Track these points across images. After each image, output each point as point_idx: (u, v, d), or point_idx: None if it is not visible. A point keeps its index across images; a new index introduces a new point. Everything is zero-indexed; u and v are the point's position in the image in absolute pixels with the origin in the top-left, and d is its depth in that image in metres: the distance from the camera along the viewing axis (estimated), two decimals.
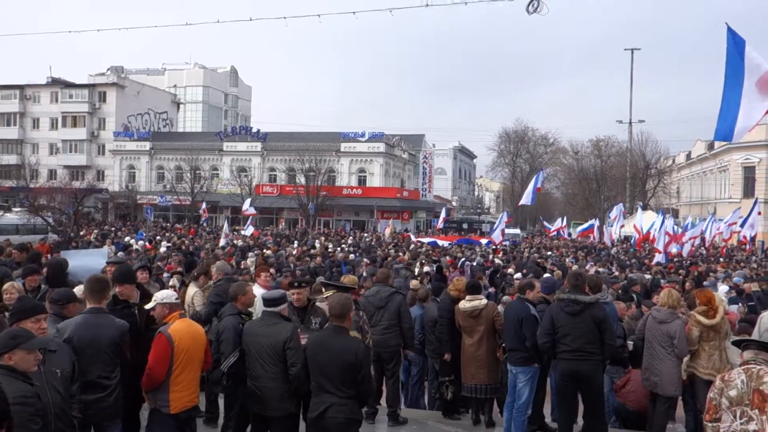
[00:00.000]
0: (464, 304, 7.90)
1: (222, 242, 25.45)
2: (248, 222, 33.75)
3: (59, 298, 5.49)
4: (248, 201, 37.58)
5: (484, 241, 33.08)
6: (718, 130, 6.90)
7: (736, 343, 5.16)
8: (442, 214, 40.83)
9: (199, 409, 6.37)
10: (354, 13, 13.75)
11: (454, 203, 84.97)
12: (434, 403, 8.94)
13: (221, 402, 7.10)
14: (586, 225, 37.05)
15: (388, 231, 38.71)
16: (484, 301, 7.96)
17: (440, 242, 31.06)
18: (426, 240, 32.48)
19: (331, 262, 18.58)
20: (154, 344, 5.34)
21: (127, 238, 27.46)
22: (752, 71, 6.62)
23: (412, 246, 27.08)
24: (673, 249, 24.92)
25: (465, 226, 60.82)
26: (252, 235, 31.40)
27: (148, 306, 5.74)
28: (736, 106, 6.66)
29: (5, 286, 6.73)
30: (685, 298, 8.47)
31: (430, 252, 24.15)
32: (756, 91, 6.63)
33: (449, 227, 58.79)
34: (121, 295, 6.02)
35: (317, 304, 6.98)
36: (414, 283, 10.82)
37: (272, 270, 12.54)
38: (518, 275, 15.63)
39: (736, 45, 6.66)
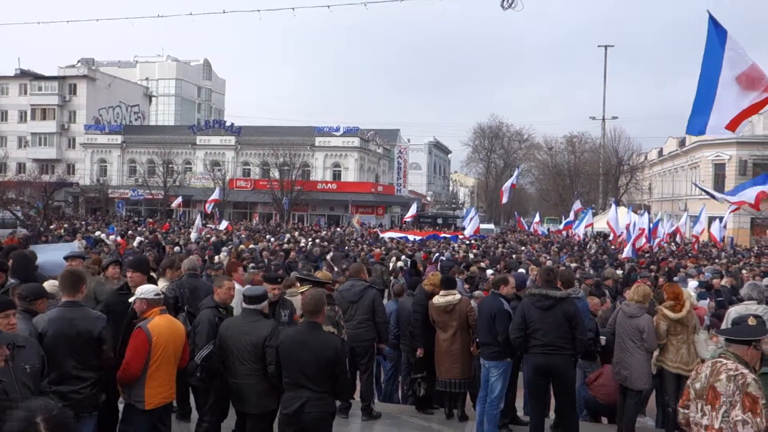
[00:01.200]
0: (438, 299, 7.93)
1: (193, 236, 25.25)
2: (209, 215, 32.92)
3: (27, 293, 5.40)
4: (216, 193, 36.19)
5: (450, 236, 33.25)
6: (690, 124, 6.78)
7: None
8: (411, 210, 40.65)
9: (173, 405, 6.34)
10: (329, 7, 13.73)
11: (429, 198, 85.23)
12: (408, 398, 8.96)
13: (192, 398, 7.05)
14: (567, 221, 37.36)
15: (356, 223, 38.60)
16: (458, 296, 7.99)
17: (411, 237, 31.09)
18: (396, 235, 32.47)
19: (305, 257, 18.53)
20: (132, 339, 5.33)
21: (98, 233, 27.11)
22: (733, 64, 6.49)
23: (380, 241, 27.21)
24: (644, 244, 25.24)
25: (440, 221, 60.99)
26: (226, 229, 31.19)
27: (130, 300, 5.71)
28: (711, 99, 6.57)
29: None
30: (656, 293, 8.59)
31: (404, 247, 24.20)
32: (736, 86, 6.51)
33: (424, 222, 58.96)
34: (130, 281, 6.29)
35: (286, 297, 7.00)
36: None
37: (247, 264, 12.47)
38: (490, 271, 15.75)
39: (717, 35, 6.53)
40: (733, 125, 6.75)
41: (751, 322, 5.20)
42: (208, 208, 34.03)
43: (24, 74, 67.92)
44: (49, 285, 6.19)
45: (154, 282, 6.67)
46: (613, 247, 31.16)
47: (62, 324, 5.06)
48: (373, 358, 8.48)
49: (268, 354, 5.52)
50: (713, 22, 6.55)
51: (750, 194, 18.11)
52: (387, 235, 34.03)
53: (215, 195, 33.48)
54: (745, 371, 4.28)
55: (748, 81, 6.48)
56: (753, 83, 6.49)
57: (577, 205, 40.38)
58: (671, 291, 7.63)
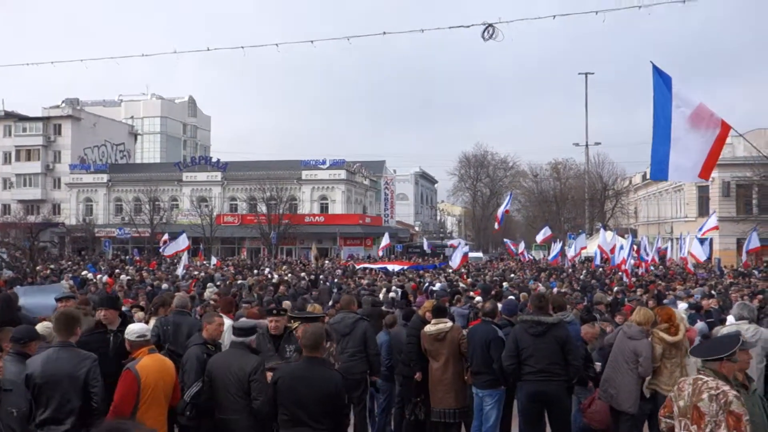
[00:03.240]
0: (429, 328, 7.90)
1: (179, 272, 25.02)
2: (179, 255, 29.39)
3: (21, 336, 5.34)
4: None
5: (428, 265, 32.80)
6: (653, 170, 7.09)
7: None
8: (384, 240, 40.09)
9: None
10: (312, 41, 13.87)
11: (416, 228, 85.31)
12: (403, 428, 8.85)
13: None
14: (576, 245, 37.36)
15: (312, 255, 38.15)
16: (449, 324, 7.95)
17: (390, 267, 30.27)
18: (374, 266, 31.47)
19: (295, 291, 18.41)
20: (121, 380, 5.27)
21: (84, 272, 26.88)
22: (682, 107, 6.83)
23: (358, 272, 26.86)
24: (629, 267, 25.37)
25: (428, 251, 60.99)
26: (215, 265, 30.99)
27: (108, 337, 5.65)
28: (667, 143, 6.86)
29: None
30: None
31: (382, 278, 23.94)
32: (689, 126, 6.84)
33: (413, 252, 58.92)
34: (104, 318, 6.24)
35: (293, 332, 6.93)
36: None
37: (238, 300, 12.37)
38: (478, 298, 15.69)
39: (663, 82, 6.88)
40: (705, 173, 7.03)
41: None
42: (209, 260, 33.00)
43: (8, 115, 67.80)
44: (42, 327, 6.14)
45: (126, 319, 6.58)
46: (602, 269, 31.27)
47: (48, 365, 5.02)
48: (366, 390, 8.39)
49: (253, 388, 5.45)
50: (657, 71, 6.89)
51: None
52: (364, 266, 32.90)
53: (182, 242, 28.33)
54: (726, 388, 4.29)
55: (698, 120, 6.80)
56: (704, 121, 6.82)
57: (546, 232, 40.66)
58: (664, 313, 7.63)
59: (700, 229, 29.04)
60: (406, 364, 8.27)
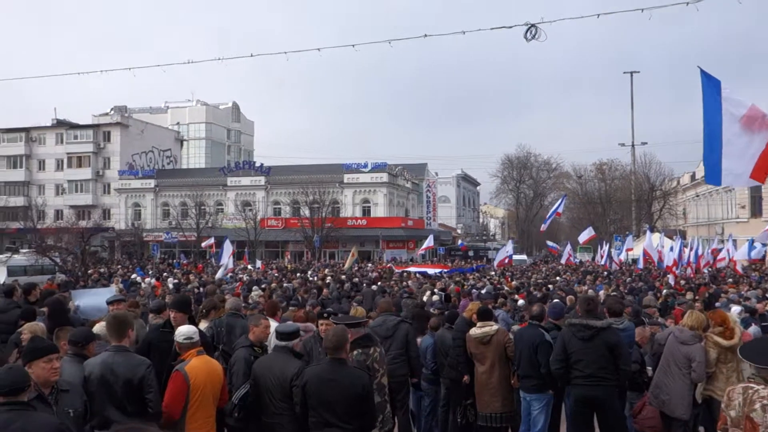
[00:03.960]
0: (475, 331, 7.83)
1: (219, 275, 25.21)
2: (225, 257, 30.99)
3: (78, 338, 5.47)
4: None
5: (468, 268, 32.23)
6: (706, 175, 7.00)
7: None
8: (427, 242, 39.63)
9: None
10: (354, 45, 13.90)
11: (459, 231, 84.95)
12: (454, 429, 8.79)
13: None
14: (625, 245, 36.53)
15: (349, 260, 37.74)
16: (495, 327, 7.86)
17: (430, 271, 29.97)
18: (413, 270, 30.87)
19: (339, 294, 18.49)
20: (171, 382, 5.34)
21: (133, 276, 27.50)
22: (733, 110, 6.69)
23: (395, 276, 26.51)
24: (681, 270, 24.81)
25: (471, 253, 60.65)
26: (259, 269, 31.34)
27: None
28: (718, 149, 6.75)
29: (24, 326, 6.72)
30: None
31: (422, 281, 23.74)
32: (739, 130, 6.70)
33: (456, 255, 58.67)
34: (173, 320, 6.43)
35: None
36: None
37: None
38: (521, 301, 15.50)
39: (712, 86, 6.76)
40: (759, 175, 6.87)
41: None
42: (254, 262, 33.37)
43: (60, 124, 70.05)
44: (99, 328, 6.31)
45: (193, 322, 6.70)
46: (648, 272, 30.61)
47: (104, 369, 5.09)
48: (408, 393, 8.36)
49: (294, 393, 5.45)
50: (705, 75, 6.77)
51: None
52: (403, 270, 31.80)
53: (227, 249, 30.40)
54: None
55: (749, 122, 6.65)
56: (756, 123, 6.67)
57: (589, 233, 39.83)
58: (717, 317, 7.42)
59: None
60: (453, 368, 8.21)
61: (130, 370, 5.14)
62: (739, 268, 28.43)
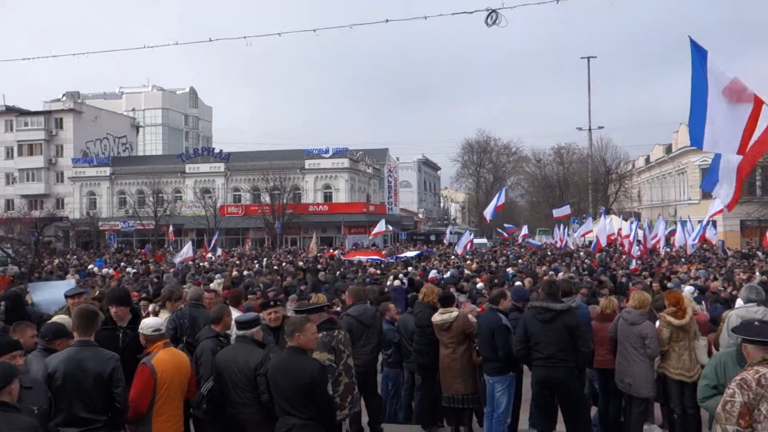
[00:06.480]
0: (436, 317, 7.92)
1: (176, 260, 24.86)
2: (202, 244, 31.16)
3: (46, 333, 5.34)
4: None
5: (410, 254, 31.58)
6: (692, 137, 7.13)
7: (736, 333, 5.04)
8: (378, 227, 38.79)
9: None
10: (315, 30, 13.80)
11: (420, 215, 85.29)
12: (410, 416, 8.90)
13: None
14: (582, 230, 36.88)
15: (312, 246, 37.18)
16: (455, 313, 7.93)
17: (381, 258, 28.92)
18: (365, 257, 29.20)
19: (300, 281, 18.45)
20: (137, 375, 5.26)
21: (90, 266, 26.99)
22: (717, 81, 6.85)
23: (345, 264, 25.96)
24: (636, 251, 25.38)
25: (433, 237, 61.02)
26: (220, 256, 31.05)
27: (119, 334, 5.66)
28: (703, 116, 6.88)
29: None
30: (654, 300, 8.62)
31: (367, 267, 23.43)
32: (724, 100, 6.85)
33: (417, 239, 58.96)
34: (115, 316, 6.14)
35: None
36: None
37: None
38: (480, 284, 15.70)
39: (699, 56, 6.89)
40: (743, 150, 7.05)
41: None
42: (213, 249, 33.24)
43: (9, 110, 67.80)
44: (65, 320, 6.12)
45: (137, 315, 6.55)
46: (606, 254, 31.28)
47: (70, 364, 4.91)
48: (376, 379, 8.44)
49: (259, 382, 5.45)
50: (694, 44, 6.91)
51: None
52: (350, 259, 30.06)
53: (187, 251, 28.42)
54: None
55: (732, 93, 6.80)
56: (738, 95, 6.80)
57: (564, 210, 40.35)
58: (672, 297, 7.68)
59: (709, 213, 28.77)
60: (423, 354, 8.27)
61: (99, 365, 4.98)
62: (690, 249, 29.23)
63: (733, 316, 7.01)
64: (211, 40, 13.27)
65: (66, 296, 8.01)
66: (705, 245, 32.63)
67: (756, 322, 4.63)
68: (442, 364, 7.96)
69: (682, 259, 27.23)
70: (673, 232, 32.21)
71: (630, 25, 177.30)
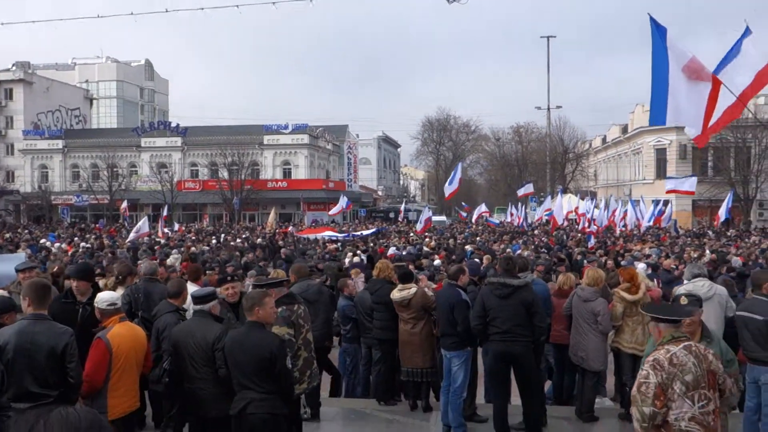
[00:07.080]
0: (395, 294, 7.98)
1: (131, 237, 24.42)
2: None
3: None
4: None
5: (366, 232, 31.60)
6: (652, 115, 7.23)
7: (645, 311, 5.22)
8: (338, 205, 38.63)
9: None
10: (274, 2, 13.55)
11: (380, 192, 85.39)
12: (368, 391, 8.99)
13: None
14: (541, 208, 37.46)
15: (271, 222, 36.66)
16: (413, 289, 8.00)
17: (338, 235, 29.13)
18: (320, 234, 29.10)
19: (258, 258, 18.34)
20: (92, 350, 5.19)
21: (42, 241, 26.33)
22: (676, 58, 6.96)
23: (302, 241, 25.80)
24: (598, 229, 25.94)
25: (392, 215, 61.17)
26: (177, 231, 30.59)
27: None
28: (665, 92, 6.99)
29: None
30: (609, 277, 8.83)
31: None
32: (683, 77, 6.98)
33: (377, 216, 59.02)
34: (76, 290, 6.12)
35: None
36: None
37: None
38: (438, 261, 15.87)
39: (659, 34, 6.99)
40: (703, 130, 7.16)
41: (683, 301, 5.39)
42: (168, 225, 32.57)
43: None
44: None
45: (97, 289, 6.46)
46: (563, 231, 31.82)
47: (22, 338, 4.78)
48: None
49: (217, 357, 5.43)
50: (654, 22, 7.00)
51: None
52: (310, 235, 29.92)
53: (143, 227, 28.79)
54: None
55: (691, 71, 6.93)
56: (697, 73, 6.94)
57: (527, 189, 40.92)
58: (626, 274, 7.90)
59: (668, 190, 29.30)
60: (385, 329, 8.34)
61: (53, 339, 4.85)
62: (643, 227, 29.94)
63: (682, 291, 7.22)
64: (167, 11, 12.93)
65: (17, 270, 7.83)
66: (657, 225, 33.43)
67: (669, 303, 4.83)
68: (402, 338, 8.04)
69: (635, 238, 27.85)
70: (625, 213, 32.93)
71: (592, 6, 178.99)
